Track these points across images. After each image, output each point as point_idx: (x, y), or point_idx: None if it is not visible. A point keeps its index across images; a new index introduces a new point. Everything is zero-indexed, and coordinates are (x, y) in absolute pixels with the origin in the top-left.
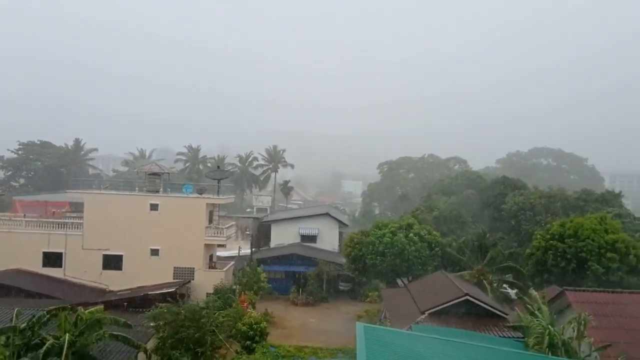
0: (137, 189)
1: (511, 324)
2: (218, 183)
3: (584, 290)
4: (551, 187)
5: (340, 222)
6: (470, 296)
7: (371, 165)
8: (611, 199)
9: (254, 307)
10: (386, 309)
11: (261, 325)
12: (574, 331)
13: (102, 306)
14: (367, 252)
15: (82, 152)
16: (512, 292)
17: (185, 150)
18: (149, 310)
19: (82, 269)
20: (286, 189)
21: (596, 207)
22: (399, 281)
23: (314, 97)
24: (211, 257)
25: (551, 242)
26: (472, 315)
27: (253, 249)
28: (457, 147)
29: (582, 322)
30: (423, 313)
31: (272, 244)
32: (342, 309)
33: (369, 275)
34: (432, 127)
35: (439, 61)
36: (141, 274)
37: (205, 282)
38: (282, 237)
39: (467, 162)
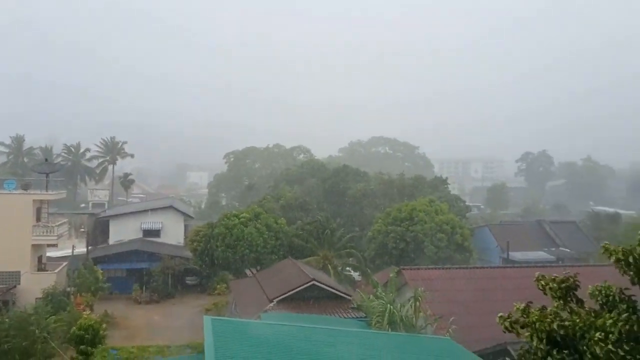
0: None
1: (355, 305)
2: (47, 177)
3: (418, 268)
4: (390, 174)
5: (185, 214)
6: (317, 281)
7: (218, 156)
8: (439, 184)
9: (91, 309)
10: (235, 300)
11: (95, 326)
12: (411, 307)
13: None
14: (216, 244)
15: None
16: (356, 275)
17: (7, 142)
18: None
19: None
20: (126, 182)
21: (427, 191)
22: (247, 271)
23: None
24: (40, 258)
25: (391, 226)
26: (319, 299)
27: (89, 247)
28: (302, 136)
29: (419, 298)
30: (272, 301)
31: (111, 241)
32: (189, 304)
33: (217, 268)
34: (279, 117)
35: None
36: None
37: (34, 286)
38: (122, 233)
39: (310, 150)
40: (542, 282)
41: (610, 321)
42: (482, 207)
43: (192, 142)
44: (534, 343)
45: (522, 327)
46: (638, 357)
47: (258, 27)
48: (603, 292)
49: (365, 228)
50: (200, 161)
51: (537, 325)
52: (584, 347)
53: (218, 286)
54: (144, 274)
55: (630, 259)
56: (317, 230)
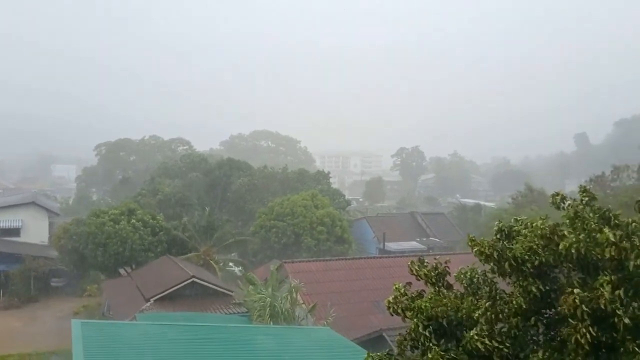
0: None
1: (237, 301)
2: None
3: (299, 261)
4: (274, 168)
5: (50, 211)
6: (197, 278)
7: (87, 147)
8: (321, 178)
9: None
10: (108, 301)
11: None
12: (289, 300)
13: None
14: (85, 243)
15: None
16: (237, 270)
17: None
18: None
19: None
20: None
21: (310, 185)
22: (121, 270)
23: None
24: None
25: (273, 221)
26: (200, 296)
27: None
28: (180, 128)
29: (294, 291)
30: (148, 300)
31: None
32: (55, 308)
33: (88, 268)
34: (154, 106)
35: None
36: None
37: None
38: None
39: (190, 143)
40: (415, 268)
41: (470, 305)
42: (360, 200)
43: (58, 130)
44: (418, 329)
45: (408, 311)
46: (507, 344)
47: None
48: (468, 274)
49: (249, 223)
50: (67, 153)
51: (424, 312)
52: (462, 336)
53: (88, 287)
54: (2, 278)
55: (495, 254)
56: (199, 226)
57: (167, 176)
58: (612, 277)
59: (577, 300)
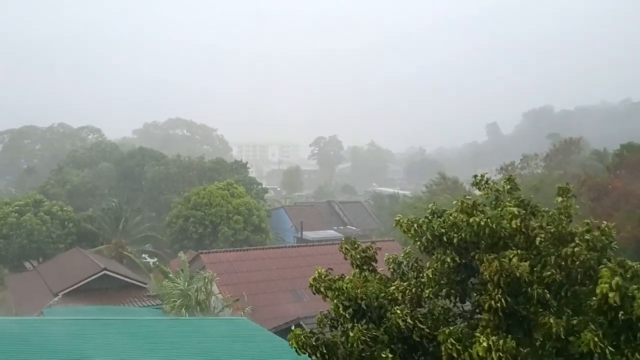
0: None
1: (150, 293)
2: None
3: (216, 252)
4: (190, 157)
5: None
6: (108, 270)
7: None
8: (239, 167)
9: None
10: (13, 297)
11: None
12: (204, 291)
13: None
14: None
15: None
16: (152, 262)
17: None
18: None
19: None
20: None
21: (227, 175)
22: (27, 264)
23: None
24: None
25: (190, 211)
26: (112, 289)
27: None
28: (91, 115)
29: (207, 281)
30: (57, 295)
31: None
32: None
33: None
34: (61, 92)
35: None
36: None
37: None
38: None
39: (101, 131)
40: (346, 247)
41: (395, 289)
42: (278, 189)
43: None
44: (339, 309)
45: (329, 291)
46: (429, 324)
47: None
48: (397, 259)
49: (164, 213)
50: None
51: (344, 293)
52: (382, 316)
53: None
54: None
55: (412, 230)
56: (110, 217)
57: (76, 166)
58: (519, 252)
59: (497, 267)
